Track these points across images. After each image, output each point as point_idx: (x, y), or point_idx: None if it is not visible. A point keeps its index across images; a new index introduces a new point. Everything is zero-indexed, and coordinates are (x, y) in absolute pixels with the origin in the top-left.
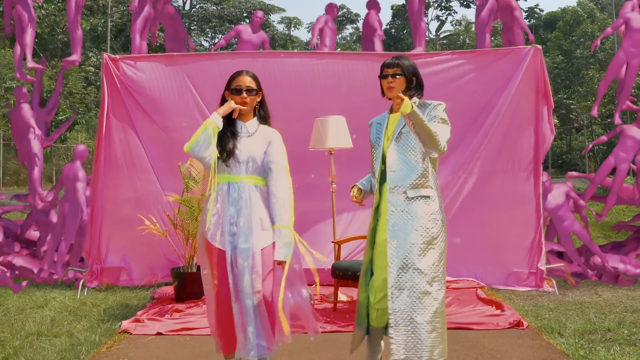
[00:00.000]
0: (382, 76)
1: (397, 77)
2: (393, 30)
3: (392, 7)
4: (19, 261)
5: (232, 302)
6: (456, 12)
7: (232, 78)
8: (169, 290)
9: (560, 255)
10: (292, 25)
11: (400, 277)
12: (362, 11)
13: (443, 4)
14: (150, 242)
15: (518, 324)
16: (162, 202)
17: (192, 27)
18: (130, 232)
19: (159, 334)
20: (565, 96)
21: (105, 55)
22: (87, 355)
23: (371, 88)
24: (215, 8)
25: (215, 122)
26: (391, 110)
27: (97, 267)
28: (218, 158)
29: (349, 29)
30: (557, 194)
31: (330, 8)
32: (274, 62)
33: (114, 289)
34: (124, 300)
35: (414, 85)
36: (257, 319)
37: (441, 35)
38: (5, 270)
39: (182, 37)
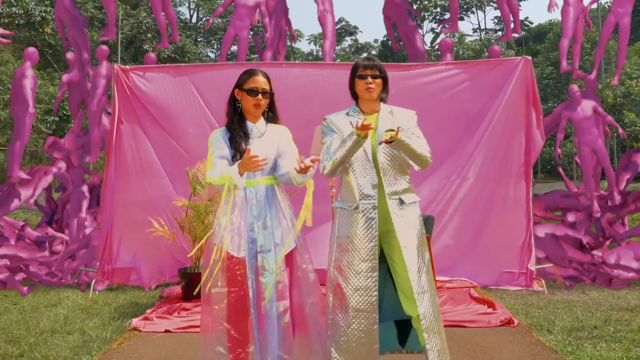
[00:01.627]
0: (360, 77)
1: (377, 78)
2: (390, 42)
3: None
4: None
5: (250, 311)
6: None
7: (247, 77)
8: (177, 289)
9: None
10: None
11: (421, 281)
12: (360, 23)
13: (438, 17)
14: (159, 243)
15: (509, 322)
16: (171, 205)
17: (199, 39)
18: (140, 234)
19: (167, 331)
20: (554, 105)
21: (116, 66)
22: (99, 352)
23: None
24: (220, 21)
25: (233, 180)
26: (360, 110)
27: (108, 268)
28: (232, 161)
29: (347, 41)
30: (586, 107)
31: None
32: (276, 72)
33: (124, 288)
34: (134, 299)
35: (387, 87)
36: (279, 328)
37: (436, 47)
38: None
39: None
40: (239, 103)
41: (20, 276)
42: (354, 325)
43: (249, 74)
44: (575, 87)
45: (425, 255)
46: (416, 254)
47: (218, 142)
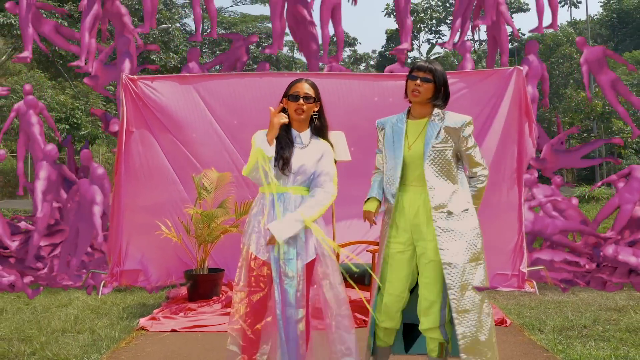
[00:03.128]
0: (411, 77)
1: (426, 82)
2: (387, 53)
3: (386, 32)
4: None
5: (268, 313)
6: (445, 35)
7: (291, 85)
8: (183, 290)
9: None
10: (296, 48)
11: (462, 300)
12: (359, 35)
13: (433, 29)
14: (165, 246)
15: (502, 322)
16: (177, 209)
17: (204, 50)
18: (148, 237)
19: (173, 330)
20: (545, 112)
21: (124, 75)
22: (108, 350)
23: (367, 105)
24: (224, 32)
25: (262, 150)
26: (408, 115)
27: (117, 270)
28: (274, 166)
29: (347, 51)
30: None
31: None
32: (279, 81)
33: (132, 289)
34: (142, 299)
35: (442, 94)
36: (295, 335)
37: (431, 57)
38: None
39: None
40: (287, 112)
41: (28, 279)
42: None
43: (293, 82)
44: None
45: (479, 269)
46: (461, 270)
47: (260, 140)
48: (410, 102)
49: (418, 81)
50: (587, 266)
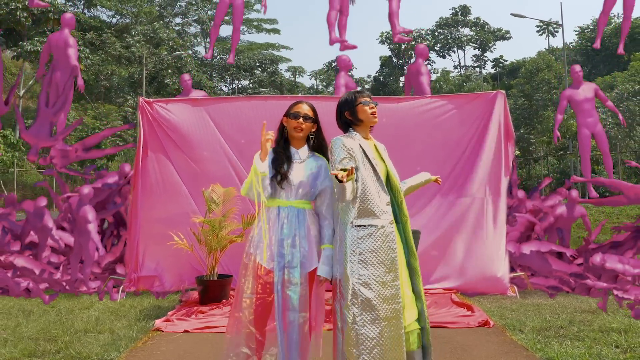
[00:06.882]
0: (364, 103)
1: (376, 106)
2: (381, 77)
3: (380, 58)
4: (20, 262)
5: (273, 318)
6: (434, 62)
7: (292, 105)
8: (195, 294)
9: (559, 255)
10: (297, 73)
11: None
12: (355, 60)
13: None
14: (179, 254)
15: (485, 323)
16: (189, 221)
17: (214, 74)
18: (163, 247)
19: (186, 331)
20: (526, 132)
21: (141, 98)
22: (126, 349)
23: None
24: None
25: (256, 167)
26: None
27: (135, 276)
28: (271, 181)
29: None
30: (587, 89)
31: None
32: (282, 103)
33: (149, 293)
34: (157, 302)
35: None
36: (299, 337)
37: None
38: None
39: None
40: (286, 130)
41: (43, 285)
42: (386, 334)
43: (295, 103)
44: (577, 67)
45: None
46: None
47: (255, 159)
48: (347, 128)
49: (371, 105)
50: (572, 258)
